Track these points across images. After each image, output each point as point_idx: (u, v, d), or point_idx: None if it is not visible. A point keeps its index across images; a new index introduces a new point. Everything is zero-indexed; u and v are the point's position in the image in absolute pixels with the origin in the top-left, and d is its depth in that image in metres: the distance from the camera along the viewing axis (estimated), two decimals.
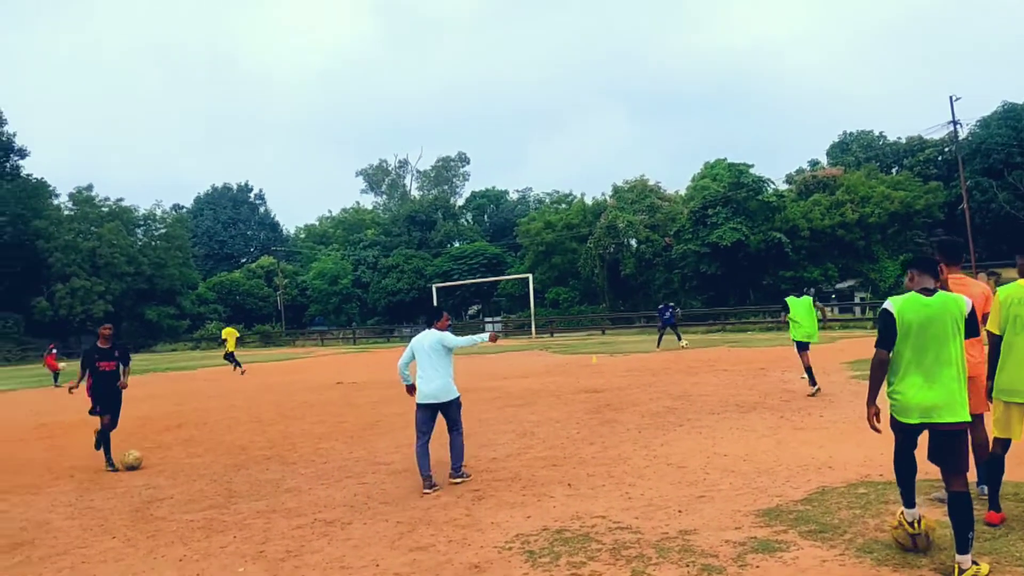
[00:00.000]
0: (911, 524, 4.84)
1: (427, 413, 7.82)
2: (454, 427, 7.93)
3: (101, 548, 6.32)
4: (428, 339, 7.94)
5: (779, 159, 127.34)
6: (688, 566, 4.96)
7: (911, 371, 4.74)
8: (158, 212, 68.59)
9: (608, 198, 52.82)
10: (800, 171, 54.43)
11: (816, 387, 12.42)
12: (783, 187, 48.35)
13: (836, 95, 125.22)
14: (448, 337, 7.93)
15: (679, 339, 26.42)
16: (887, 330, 4.76)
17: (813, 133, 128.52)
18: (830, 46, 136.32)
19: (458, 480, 7.87)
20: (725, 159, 47.11)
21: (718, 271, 42.87)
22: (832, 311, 41.45)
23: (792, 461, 7.77)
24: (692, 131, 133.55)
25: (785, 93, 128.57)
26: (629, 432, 10.04)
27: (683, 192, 50.68)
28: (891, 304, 4.78)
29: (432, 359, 7.82)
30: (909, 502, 4.93)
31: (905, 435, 4.88)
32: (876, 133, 58.57)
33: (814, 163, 58.43)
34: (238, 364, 27.17)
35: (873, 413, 4.90)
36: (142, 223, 66.52)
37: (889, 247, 43.20)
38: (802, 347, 13.10)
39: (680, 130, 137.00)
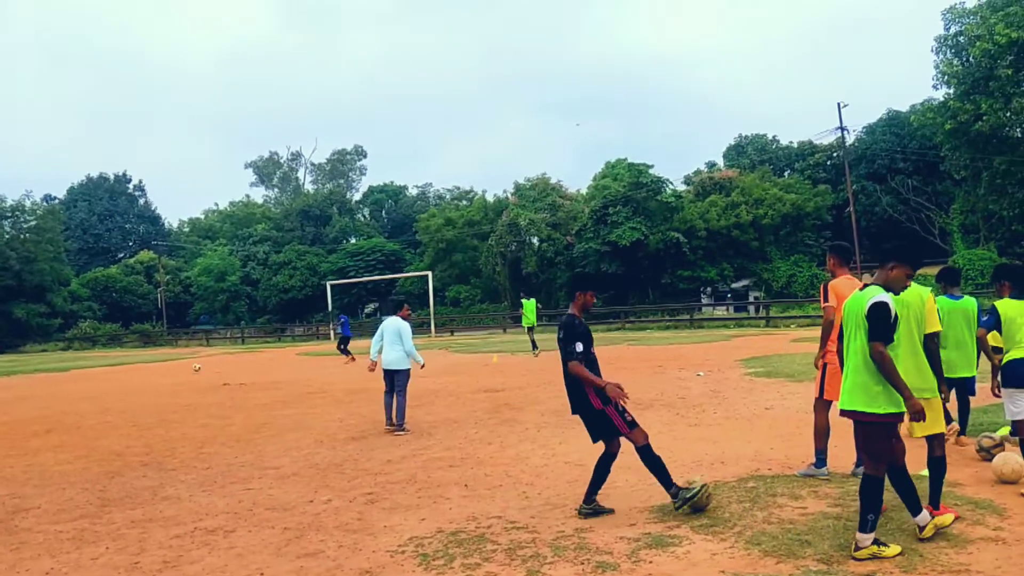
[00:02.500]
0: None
1: (387, 376, 10.84)
2: (400, 392, 10.66)
3: None
4: (392, 324, 10.89)
5: (678, 160, 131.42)
6: (583, 564, 4.91)
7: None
8: (27, 203, 64.35)
9: (510, 196, 53.07)
10: (698, 172, 56.06)
11: None
12: (681, 188, 49.81)
13: (734, 100, 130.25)
14: (406, 333, 10.84)
15: (345, 353, 25.86)
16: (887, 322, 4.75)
17: (711, 136, 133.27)
18: (730, 53, 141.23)
19: (400, 433, 10.33)
20: (626, 159, 48.13)
21: (618, 270, 43.70)
22: (727, 310, 42.98)
23: (686, 457, 7.87)
24: (595, 131, 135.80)
25: (685, 96, 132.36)
26: (528, 431, 9.98)
27: (584, 191, 51.48)
28: (886, 296, 4.79)
29: (392, 339, 10.79)
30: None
31: None
32: (770, 137, 61.04)
33: (711, 164, 60.24)
34: None
35: (918, 409, 4.69)
36: (9, 215, 62.27)
37: (781, 248, 45.10)
38: None
39: (583, 129, 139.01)
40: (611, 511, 6.05)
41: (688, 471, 7.24)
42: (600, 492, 6.14)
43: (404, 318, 11.01)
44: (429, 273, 46.28)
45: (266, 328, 58.02)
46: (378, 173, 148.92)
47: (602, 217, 44.14)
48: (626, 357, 20.33)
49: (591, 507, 6.03)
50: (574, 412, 6.23)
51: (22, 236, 60.89)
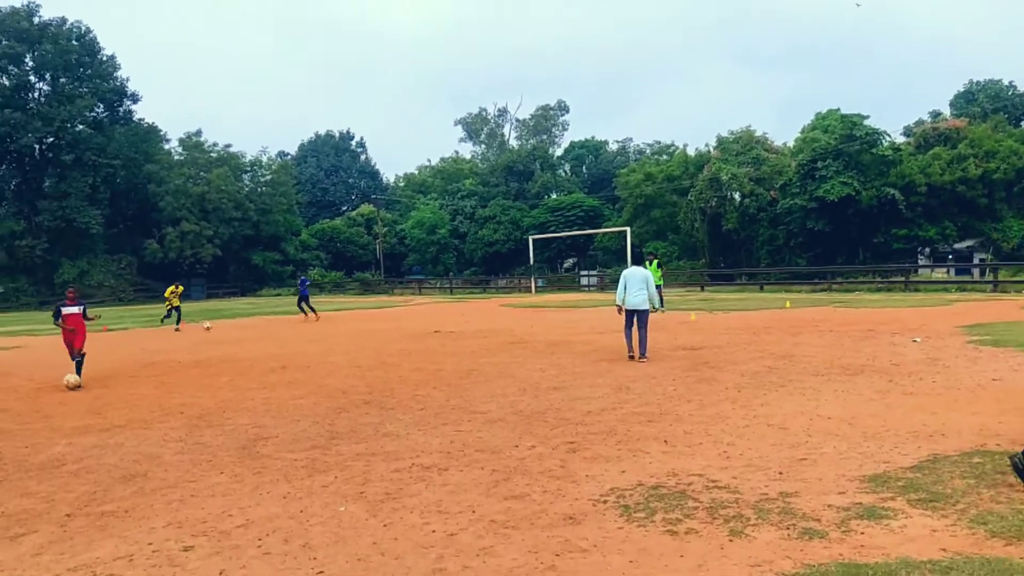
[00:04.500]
0: None
1: (630, 316, 13.22)
2: (643, 327, 13.07)
3: (209, 483, 6.65)
4: (639, 272, 13.26)
5: (897, 111, 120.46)
6: (788, 528, 4.84)
7: None
8: (264, 159, 70.43)
9: (712, 150, 51.29)
10: (919, 123, 51.34)
11: None
12: (900, 140, 45.81)
13: (962, 41, 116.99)
14: (651, 281, 13.31)
15: (309, 313, 28.79)
16: None
17: (935, 83, 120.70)
18: None
19: (643, 360, 12.71)
20: (838, 110, 44.89)
21: (826, 228, 41.20)
22: (948, 272, 39.43)
23: (901, 427, 7.45)
24: (803, 81, 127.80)
25: (906, 39, 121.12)
26: (728, 391, 9.84)
27: (791, 144, 48.73)
28: None
29: (638, 284, 13.07)
30: None
31: None
32: (1005, 83, 54.53)
33: (935, 114, 55.00)
34: (173, 316, 26.42)
35: None
36: (249, 169, 68.35)
37: (1015, 205, 40.46)
38: None
39: (791, 80, 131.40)
40: None
41: (903, 442, 6.88)
42: (806, 458, 5.99)
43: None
44: (627, 229, 45.97)
45: (472, 279, 60.39)
46: (580, 128, 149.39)
47: (810, 171, 41.61)
48: (832, 320, 19.30)
49: None
50: None
51: (259, 189, 66.93)
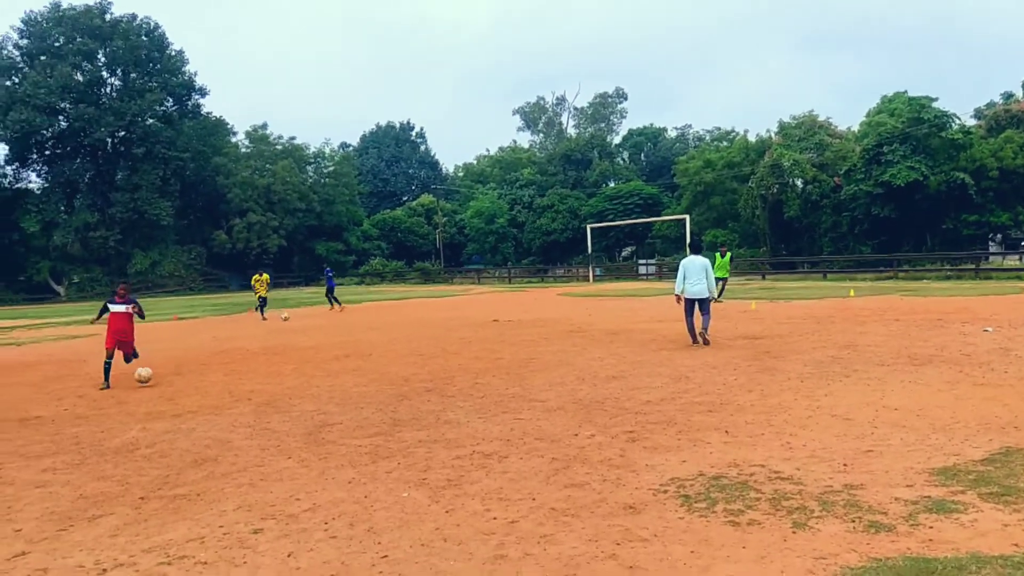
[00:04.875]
0: None
1: (690, 304, 13.62)
2: (705, 312, 13.56)
3: (277, 467, 6.83)
4: (697, 261, 13.65)
5: (967, 93, 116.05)
6: (854, 521, 4.76)
7: None
8: (326, 150, 71.72)
9: (773, 135, 50.24)
10: (991, 105, 49.35)
11: None
12: (970, 123, 44.15)
13: None
14: (710, 270, 13.66)
15: (335, 304, 29.19)
16: None
17: (1008, 64, 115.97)
18: None
19: (706, 343, 13.23)
20: (905, 92, 43.55)
21: (892, 214, 40.05)
22: (1021, 260, 37.97)
23: (972, 419, 7.25)
24: (868, 63, 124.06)
25: (976, 19, 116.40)
26: (790, 381, 9.69)
27: (856, 129, 47.44)
28: None
29: (698, 273, 13.51)
30: None
31: None
32: None
33: (1008, 96, 52.76)
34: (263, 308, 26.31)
35: None
36: (312, 161, 69.71)
37: None
38: None
39: (854, 62, 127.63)
40: None
41: (974, 434, 6.69)
42: (872, 450, 5.87)
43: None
44: (687, 217, 45.46)
45: (530, 268, 60.53)
46: (638, 116, 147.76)
47: (875, 156, 40.44)
48: (898, 308, 18.78)
49: None
50: None
51: (323, 181, 68.24)
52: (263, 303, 26.17)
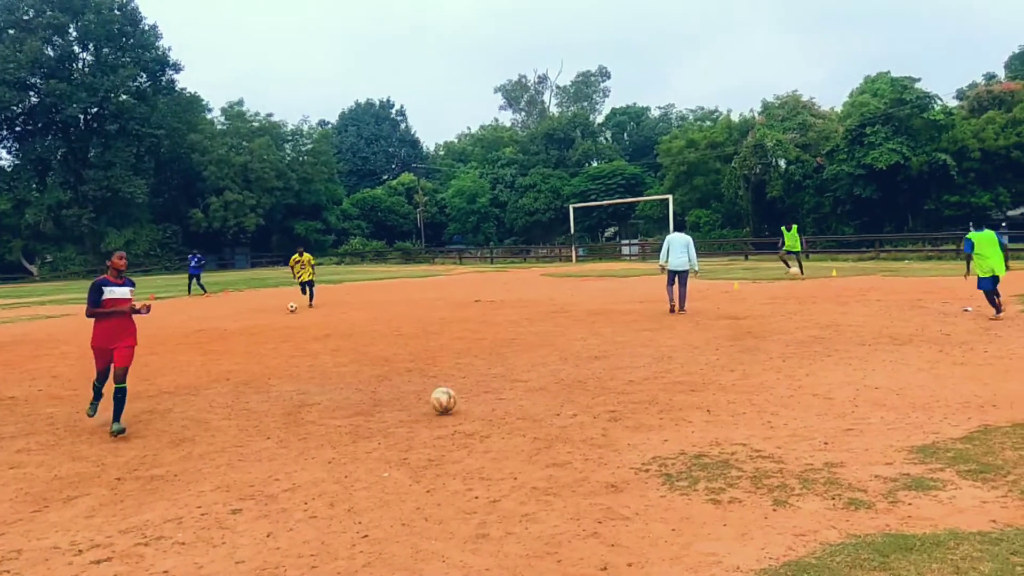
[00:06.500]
0: None
1: (672, 275, 15.13)
2: (683, 285, 15.23)
3: (256, 448, 6.77)
4: (680, 237, 15.31)
5: (950, 73, 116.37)
6: (834, 499, 4.79)
7: None
8: (305, 128, 70.65)
9: (756, 115, 50.30)
10: (973, 86, 49.66)
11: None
12: (952, 104, 44.37)
13: (1018, 1, 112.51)
14: (691, 246, 15.20)
15: (202, 291, 28.42)
16: None
17: (990, 45, 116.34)
18: None
19: (682, 313, 14.88)
20: (888, 73, 43.72)
21: (874, 195, 40.27)
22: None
23: (951, 397, 7.31)
24: (852, 43, 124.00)
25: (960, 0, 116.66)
26: (772, 360, 9.73)
27: (839, 109, 47.57)
28: None
29: (680, 249, 15.02)
30: None
31: None
32: None
33: (990, 77, 53.12)
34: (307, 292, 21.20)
35: None
36: (290, 138, 68.61)
37: None
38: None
39: (838, 42, 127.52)
40: None
41: (953, 412, 6.74)
42: (852, 428, 5.91)
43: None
44: (670, 197, 45.44)
45: (512, 248, 60.36)
46: (621, 95, 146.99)
47: (858, 137, 40.59)
48: (880, 288, 18.91)
49: None
50: None
51: (301, 159, 67.26)
52: (310, 287, 21.04)
